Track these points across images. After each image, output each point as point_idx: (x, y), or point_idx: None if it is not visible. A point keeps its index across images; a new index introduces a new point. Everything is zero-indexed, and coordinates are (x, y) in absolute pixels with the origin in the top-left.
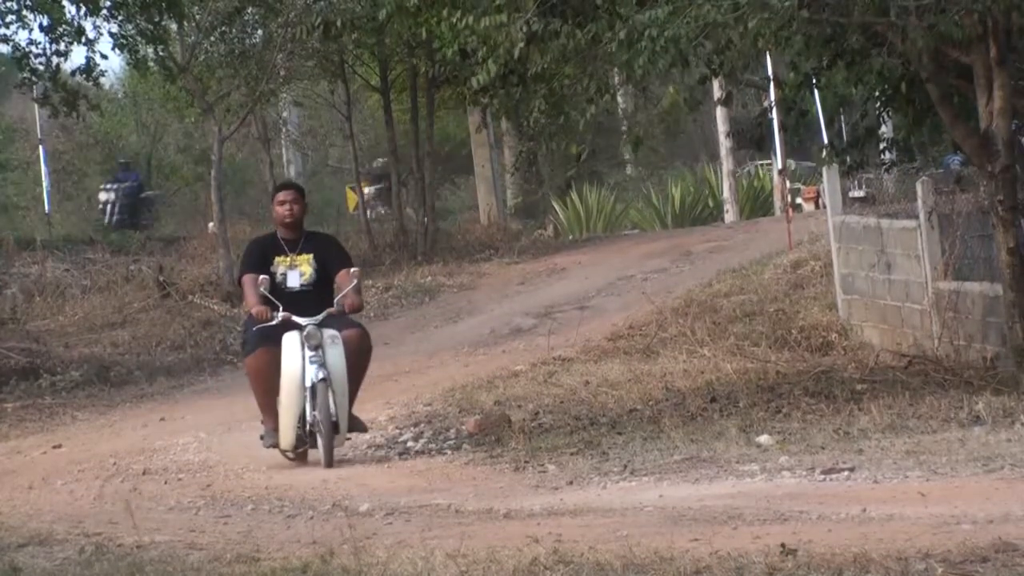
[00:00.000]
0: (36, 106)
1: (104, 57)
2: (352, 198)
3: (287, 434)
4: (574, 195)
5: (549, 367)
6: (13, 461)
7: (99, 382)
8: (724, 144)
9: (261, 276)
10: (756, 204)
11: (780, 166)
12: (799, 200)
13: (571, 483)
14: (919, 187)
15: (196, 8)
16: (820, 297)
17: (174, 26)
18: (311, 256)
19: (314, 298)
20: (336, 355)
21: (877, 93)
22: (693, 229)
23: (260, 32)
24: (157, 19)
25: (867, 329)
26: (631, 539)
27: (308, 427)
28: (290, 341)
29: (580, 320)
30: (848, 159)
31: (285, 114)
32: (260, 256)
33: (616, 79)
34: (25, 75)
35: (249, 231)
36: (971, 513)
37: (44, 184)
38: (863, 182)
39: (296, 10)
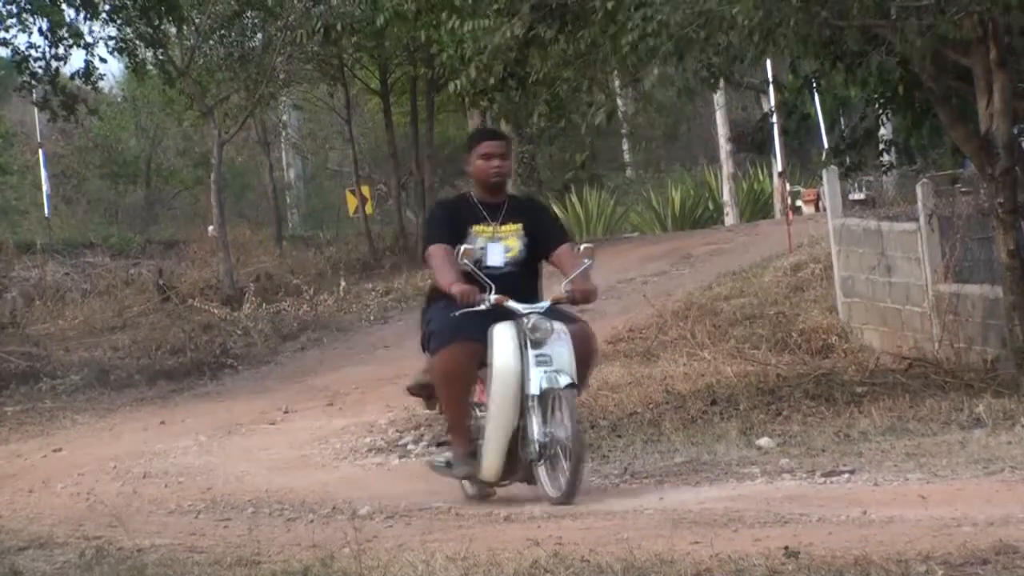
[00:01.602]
0: (36, 110)
1: (103, 61)
2: (352, 201)
3: (493, 460)
4: (574, 198)
5: None
6: (13, 465)
7: (99, 386)
8: (724, 147)
9: (463, 246)
10: (756, 207)
11: (780, 169)
12: (799, 203)
13: None
14: (919, 189)
15: (195, 11)
16: (820, 300)
17: (173, 30)
18: (520, 227)
19: (519, 282)
20: (564, 355)
21: (876, 95)
22: (693, 232)
23: (259, 35)
24: (156, 23)
25: (867, 332)
26: (631, 542)
27: (536, 451)
28: (504, 334)
29: None
30: (847, 160)
31: (285, 117)
32: (452, 223)
33: (616, 83)
34: (25, 79)
35: (249, 234)
36: (972, 515)
37: (44, 188)
38: (863, 184)
39: (295, 14)
